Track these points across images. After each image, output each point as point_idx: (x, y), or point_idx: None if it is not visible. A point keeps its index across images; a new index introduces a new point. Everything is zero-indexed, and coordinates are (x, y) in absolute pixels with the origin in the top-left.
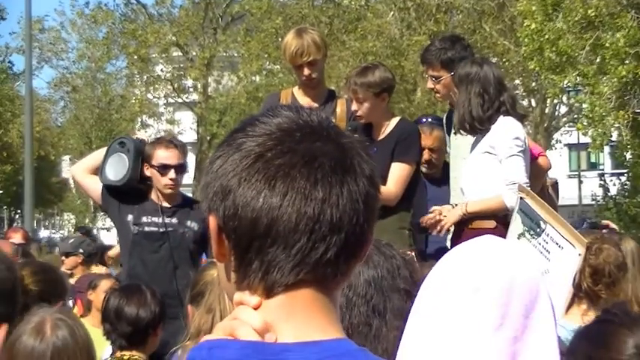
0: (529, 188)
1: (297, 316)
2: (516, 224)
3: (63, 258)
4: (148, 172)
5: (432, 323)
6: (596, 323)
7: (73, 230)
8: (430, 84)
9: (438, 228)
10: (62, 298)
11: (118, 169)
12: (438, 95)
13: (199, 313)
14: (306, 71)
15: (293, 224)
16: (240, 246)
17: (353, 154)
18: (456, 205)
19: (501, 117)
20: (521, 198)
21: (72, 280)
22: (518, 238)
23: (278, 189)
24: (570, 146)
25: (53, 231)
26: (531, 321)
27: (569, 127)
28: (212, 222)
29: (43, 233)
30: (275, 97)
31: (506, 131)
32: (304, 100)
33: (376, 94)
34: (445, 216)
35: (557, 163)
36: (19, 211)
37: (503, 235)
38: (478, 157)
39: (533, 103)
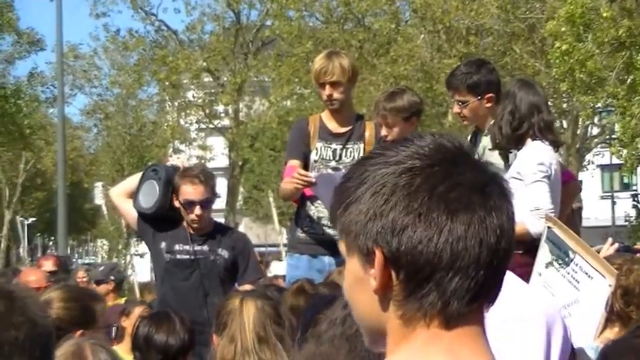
0: (554, 214)
1: (471, 344)
2: (544, 253)
3: (94, 286)
4: (177, 203)
5: None
6: (630, 335)
7: (106, 257)
8: (456, 108)
9: None
10: (92, 326)
11: (149, 196)
12: (464, 120)
13: (222, 343)
14: (328, 90)
15: (476, 255)
16: (418, 278)
17: (502, 179)
18: None
19: (529, 141)
20: (549, 227)
21: None
22: (546, 267)
23: (460, 221)
24: (603, 167)
25: (94, 257)
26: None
27: (601, 147)
28: (379, 256)
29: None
30: (303, 122)
31: (532, 156)
32: (332, 125)
33: (405, 118)
34: None
35: (590, 184)
36: (52, 237)
37: (530, 262)
38: None
39: (565, 125)
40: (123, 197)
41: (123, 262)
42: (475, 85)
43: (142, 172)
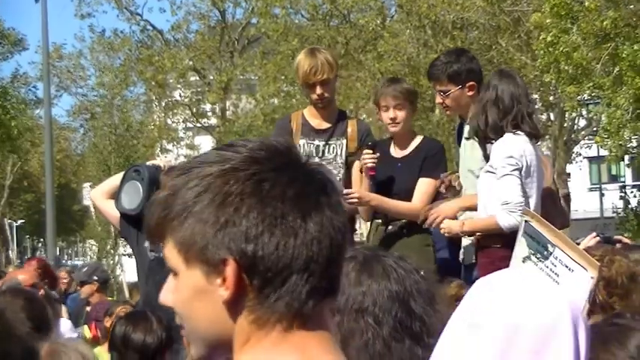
0: (522, 206)
1: (323, 342)
2: (521, 248)
3: (78, 287)
4: None
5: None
6: (603, 323)
7: (95, 258)
8: (439, 99)
9: (432, 223)
10: (47, 334)
11: (132, 197)
12: (447, 110)
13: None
14: (319, 90)
15: (328, 254)
16: (274, 282)
17: (332, 177)
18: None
19: (505, 134)
20: (526, 221)
21: (89, 308)
22: (524, 262)
23: (314, 222)
24: (590, 159)
25: (83, 258)
26: None
27: (589, 139)
28: (232, 265)
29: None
30: (286, 120)
31: (501, 150)
32: (315, 121)
33: (411, 102)
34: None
35: (578, 176)
36: (41, 239)
37: (509, 255)
38: (483, 176)
39: (552, 117)
40: (104, 198)
41: (112, 262)
42: (455, 74)
43: (122, 173)
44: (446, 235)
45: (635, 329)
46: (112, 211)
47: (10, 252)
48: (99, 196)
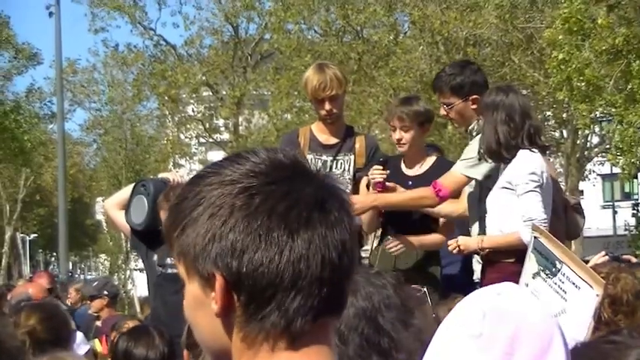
0: (546, 224)
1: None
2: (531, 263)
3: (88, 301)
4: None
5: None
6: (600, 340)
7: (107, 272)
8: (442, 111)
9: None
10: (68, 343)
11: (139, 212)
12: (452, 122)
13: None
14: (328, 106)
15: (318, 272)
16: (260, 299)
17: (341, 192)
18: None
19: (520, 150)
20: (535, 237)
21: (99, 323)
22: (534, 278)
23: (302, 239)
24: (604, 176)
25: (95, 273)
26: None
27: (602, 157)
28: (219, 279)
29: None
30: (294, 134)
31: (523, 166)
32: (322, 137)
33: (420, 123)
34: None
35: (591, 193)
36: (54, 254)
37: (521, 270)
38: (497, 192)
39: (565, 134)
40: (117, 209)
41: (123, 277)
42: (459, 86)
43: (132, 186)
44: (454, 252)
45: (632, 347)
46: (124, 223)
47: (22, 266)
48: (111, 207)
